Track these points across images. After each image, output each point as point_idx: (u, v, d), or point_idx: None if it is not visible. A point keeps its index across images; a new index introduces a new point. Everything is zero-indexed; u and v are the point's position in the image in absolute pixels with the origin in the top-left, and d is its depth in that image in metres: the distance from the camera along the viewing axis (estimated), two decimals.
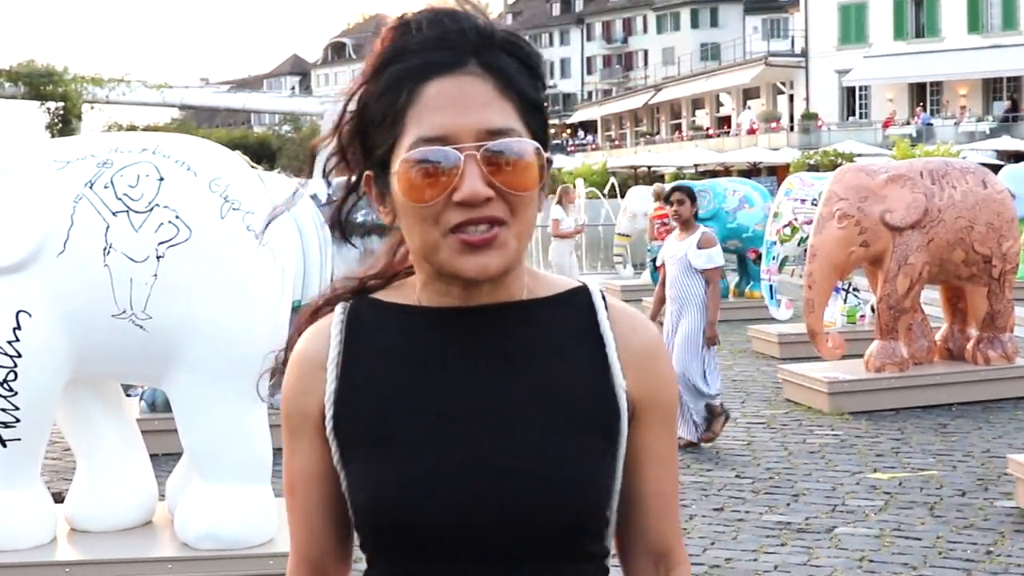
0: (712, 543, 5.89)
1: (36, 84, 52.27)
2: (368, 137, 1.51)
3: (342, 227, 1.63)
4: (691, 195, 8.11)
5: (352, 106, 1.52)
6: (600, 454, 1.51)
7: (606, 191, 34.84)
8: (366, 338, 1.55)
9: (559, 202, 15.65)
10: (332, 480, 1.57)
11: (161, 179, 4.80)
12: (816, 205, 10.37)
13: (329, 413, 1.53)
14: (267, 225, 4.80)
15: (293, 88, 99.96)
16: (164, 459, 6.68)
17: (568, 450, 1.48)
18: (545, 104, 1.54)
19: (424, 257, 1.50)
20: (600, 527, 1.53)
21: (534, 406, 1.50)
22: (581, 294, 1.59)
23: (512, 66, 1.49)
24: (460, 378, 1.51)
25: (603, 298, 1.59)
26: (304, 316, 1.63)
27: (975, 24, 49.88)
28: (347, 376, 1.53)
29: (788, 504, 6.57)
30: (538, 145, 1.48)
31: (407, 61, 1.47)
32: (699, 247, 7.86)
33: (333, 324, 1.57)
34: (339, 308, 1.59)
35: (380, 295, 1.60)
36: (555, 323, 1.55)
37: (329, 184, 1.58)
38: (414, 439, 1.48)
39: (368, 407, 1.51)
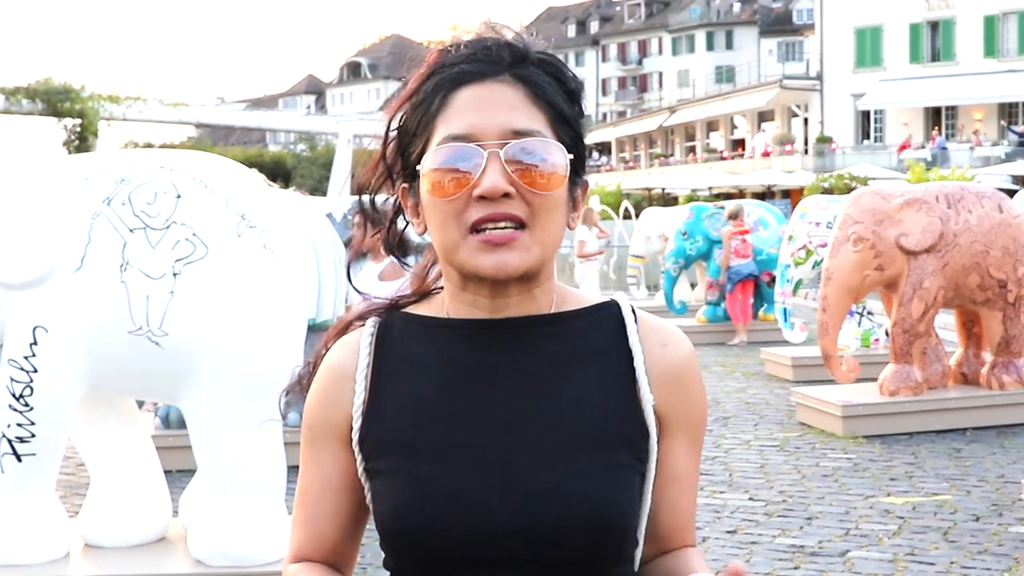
0: (724, 566, 5.85)
1: (53, 101, 52.61)
2: (407, 150, 1.53)
3: (399, 248, 1.64)
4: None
5: (395, 124, 1.55)
6: (627, 473, 1.50)
7: (620, 213, 34.83)
8: (395, 351, 1.56)
9: (584, 222, 15.58)
10: (348, 492, 1.57)
11: (178, 196, 4.82)
12: (831, 228, 10.37)
13: (356, 425, 1.53)
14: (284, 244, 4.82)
15: (308, 107, 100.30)
16: (178, 475, 6.69)
17: (595, 468, 1.47)
18: (580, 121, 1.54)
19: (447, 259, 1.50)
20: (626, 546, 1.52)
21: (561, 421, 1.49)
22: (611, 308, 1.59)
23: (546, 80, 1.51)
24: (487, 391, 1.50)
25: (633, 312, 1.58)
26: (335, 329, 1.63)
27: (991, 48, 49.86)
28: (375, 389, 1.54)
29: (801, 527, 6.55)
30: (561, 149, 1.48)
31: (443, 73, 1.50)
32: None
33: (363, 336, 1.58)
34: (370, 321, 1.59)
35: (410, 308, 1.60)
36: (584, 337, 1.55)
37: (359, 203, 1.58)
38: (440, 453, 1.48)
39: (395, 420, 1.51)
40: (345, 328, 1.62)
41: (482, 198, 1.44)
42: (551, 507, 1.44)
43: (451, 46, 1.52)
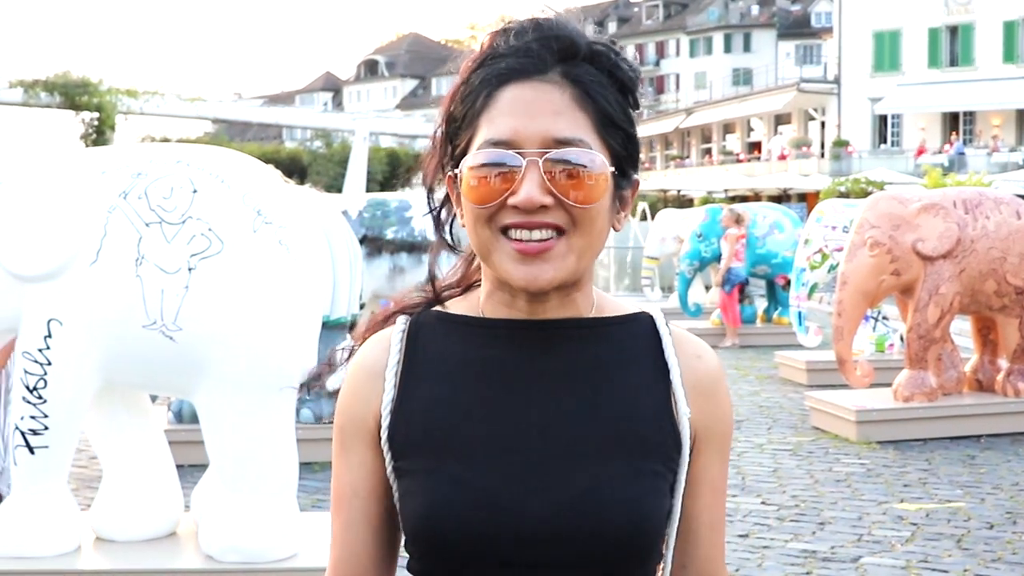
0: (737, 570, 5.85)
1: (71, 95, 52.81)
2: (454, 139, 1.51)
3: (448, 238, 1.60)
4: None
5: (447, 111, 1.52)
6: (659, 481, 1.48)
7: (636, 214, 34.80)
8: (427, 349, 1.53)
9: None
10: (379, 497, 1.54)
11: (195, 191, 4.82)
12: (847, 232, 10.33)
13: (385, 423, 1.51)
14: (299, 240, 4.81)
15: (325, 104, 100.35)
16: (190, 470, 6.69)
17: (629, 474, 1.45)
18: (632, 119, 1.50)
19: (483, 258, 1.48)
20: (651, 555, 1.49)
21: (596, 425, 1.47)
22: (645, 319, 1.57)
23: (596, 78, 1.46)
24: (522, 393, 1.48)
25: (666, 324, 1.57)
26: (373, 323, 1.61)
27: (1010, 54, 49.66)
28: (406, 386, 1.51)
29: (814, 532, 6.52)
30: (604, 159, 1.44)
31: (491, 66, 1.46)
32: None
33: (394, 333, 1.56)
34: (401, 319, 1.57)
35: (446, 305, 1.58)
36: (620, 344, 1.53)
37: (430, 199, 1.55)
38: (472, 453, 1.46)
39: (425, 418, 1.49)
40: (381, 324, 1.60)
41: (517, 207, 1.42)
42: (583, 511, 1.42)
43: (504, 31, 1.48)
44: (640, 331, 1.55)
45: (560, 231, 1.43)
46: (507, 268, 1.44)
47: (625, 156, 1.49)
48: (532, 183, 1.41)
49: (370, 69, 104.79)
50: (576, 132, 1.43)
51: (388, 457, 1.52)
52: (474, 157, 1.44)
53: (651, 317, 1.57)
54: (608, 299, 1.58)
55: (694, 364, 1.54)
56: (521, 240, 1.42)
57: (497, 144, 1.43)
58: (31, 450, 4.82)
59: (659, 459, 1.49)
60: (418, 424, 1.49)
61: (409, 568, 1.53)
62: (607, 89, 1.47)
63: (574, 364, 1.50)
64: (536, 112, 1.43)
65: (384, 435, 1.51)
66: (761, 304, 16.44)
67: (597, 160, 1.43)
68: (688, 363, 1.54)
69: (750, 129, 64.38)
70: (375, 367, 1.54)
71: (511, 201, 1.41)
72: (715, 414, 1.55)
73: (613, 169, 1.46)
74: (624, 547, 1.44)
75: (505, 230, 1.43)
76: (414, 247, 9.76)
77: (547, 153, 1.41)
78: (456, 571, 1.46)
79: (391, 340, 1.55)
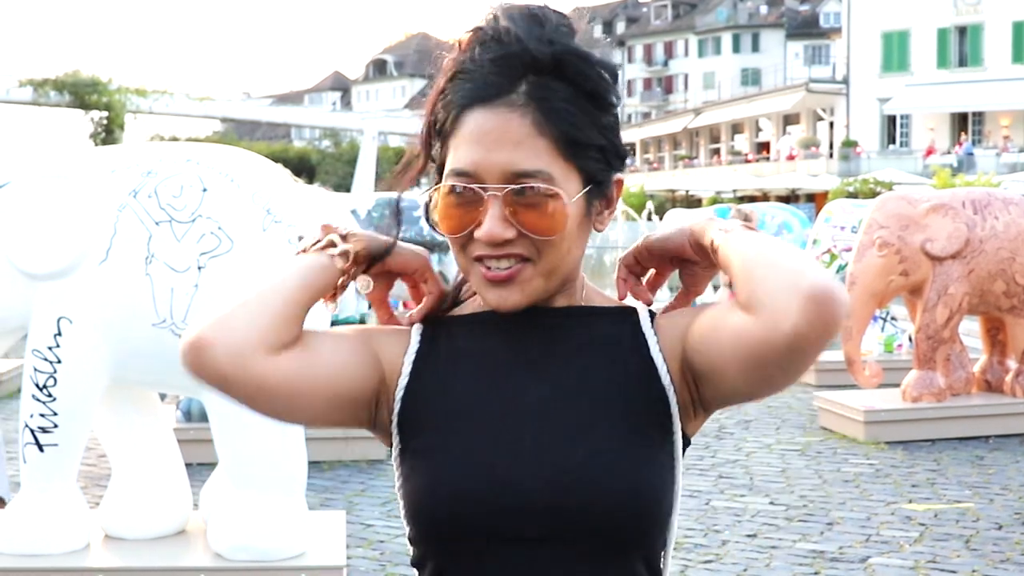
0: (745, 570, 5.85)
1: (81, 93, 52.87)
2: (430, 148, 1.55)
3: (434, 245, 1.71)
4: None
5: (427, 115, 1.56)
6: (654, 451, 1.51)
7: (644, 214, 34.79)
8: (438, 341, 1.59)
9: None
10: (341, 364, 1.53)
11: (204, 190, 4.83)
12: (855, 233, 10.31)
13: (396, 408, 1.55)
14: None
15: (334, 103, 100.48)
16: (199, 469, 6.70)
17: (625, 445, 1.49)
18: (608, 124, 1.50)
19: (465, 276, 1.57)
20: (650, 531, 1.50)
21: (586, 403, 1.51)
22: (630, 310, 1.61)
23: (562, 94, 1.46)
24: (516, 377, 1.53)
25: (651, 313, 1.61)
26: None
27: (1019, 54, 49.56)
28: (418, 374, 1.56)
29: (822, 532, 6.52)
30: (570, 187, 1.47)
31: (460, 82, 1.48)
32: None
33: (414, 328, 1.62)
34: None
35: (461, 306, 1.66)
36: (605, 329, 1.57)
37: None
38: (470, 433, 1.50)
39: (431, 402, 1.53)
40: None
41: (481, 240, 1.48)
42: (580, 482, 1.45)
43: (478, 37, 1.49)
44: (625, 319, 1.59)
45: (525, 259, 1.48)
46: (481, 291, 1.52)
47: (599, 168, 1.51)
48: (494, 219, 1.45)
49: (379, 68, 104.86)
50: (537, 163, 1.45)
51: (396, 440, 1.56)
52: (444, 185, 1.49)
53: (635, 309, 1.61)
54: (598, 292, 1.64)
55: (667, 324, 1.57)
56: (489, 268, 1.49)
57: (459, 175, 1.47)
58: (40, 448, 4.83)
59: (652, 429, 1.52)
60: (425, 408, 1.53)
61: (410, 539, 1.55)
62: (573, 103, 1.47)
63: (567, 347, 1.55)
64: (496, 143, 1.45)
65: (395, 420, 1.56)
66: None
67: (557, 192, 1.45)
68: (664, 332, 1.56)
69: (758, 129, 64.32)
70: (404, 342, 1.59)
71: (476, 235, 1.47)
72: (679, 322, 1.55)
73: (584, 189, 1.49)
74: (622, 516, 1.45)
75: (478, 259, 1.49)
76: (423, 246, 9.76)
77: (507, 188, 1.45)
78: (460, 547, 1.48)
79: (412, 332, 1.61)
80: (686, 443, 1.57)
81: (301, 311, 1.50)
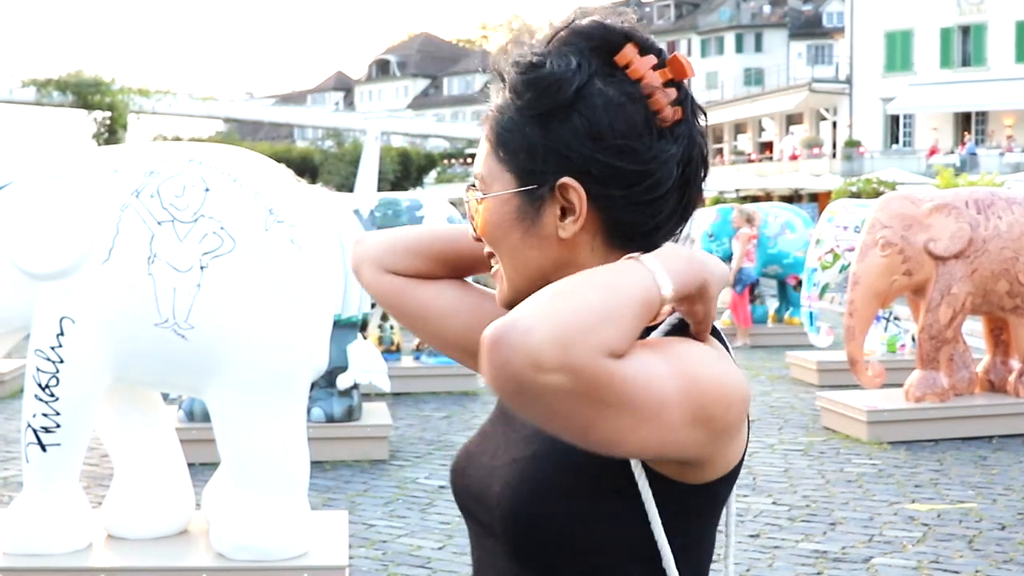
0: (748, 570, 5.84)
1: (84, 93, 52.89)
2: None
3: None
4: None
5: None
6: (582, 486, 1.43)
7: None
8: None
9: None
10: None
11: (207, 190, 4.83)
12: (859, 232, 10.31)
13: None
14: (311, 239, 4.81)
15: (337, 104, 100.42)
16: (201, 469, 6.70)
17: (543, 460, 1.46)
18: (536, 132, 1.45)
19: None
20: (556, 553, 1.44)
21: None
22: None
23: (503, 102, 1.50)
24: None
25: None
26: None
27: (1023, 54, 49.50)
28: None
29: (825, 532, 6.51)
30: (482, 196, 1.51)
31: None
32: None
33: None
34: None
35: None
36: None
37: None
38: (490, 418, 1.67)
39: None
40: None
41: None
42: (495, 478, 1.51)
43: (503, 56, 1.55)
44: None
45: (495, 259, 1.56)
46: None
47: (533, 170, 1.46)
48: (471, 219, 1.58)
49: (381, 69, 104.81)
50: (480, 168, 1.53)
51: None
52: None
53: None
54: None
55: None
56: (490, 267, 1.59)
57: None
58: (43, 448, 4.83)
59: (606, 470, 1.41)
60: None
61: None
62: (506, 112, 1.50)
63: None
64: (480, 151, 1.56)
65: None
66: (772, 304, 16.42)
67: (479, 194, 1.52)
68: None
69: (761, 129, 64.27)
70: None
71: None
72: None
73: (514, 189, 1.48)
74: (501, 527, 1.47)
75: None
76: None
77: (470, 191, 1.56)
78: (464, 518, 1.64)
79: None
80: (691, 490, 1.45)
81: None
